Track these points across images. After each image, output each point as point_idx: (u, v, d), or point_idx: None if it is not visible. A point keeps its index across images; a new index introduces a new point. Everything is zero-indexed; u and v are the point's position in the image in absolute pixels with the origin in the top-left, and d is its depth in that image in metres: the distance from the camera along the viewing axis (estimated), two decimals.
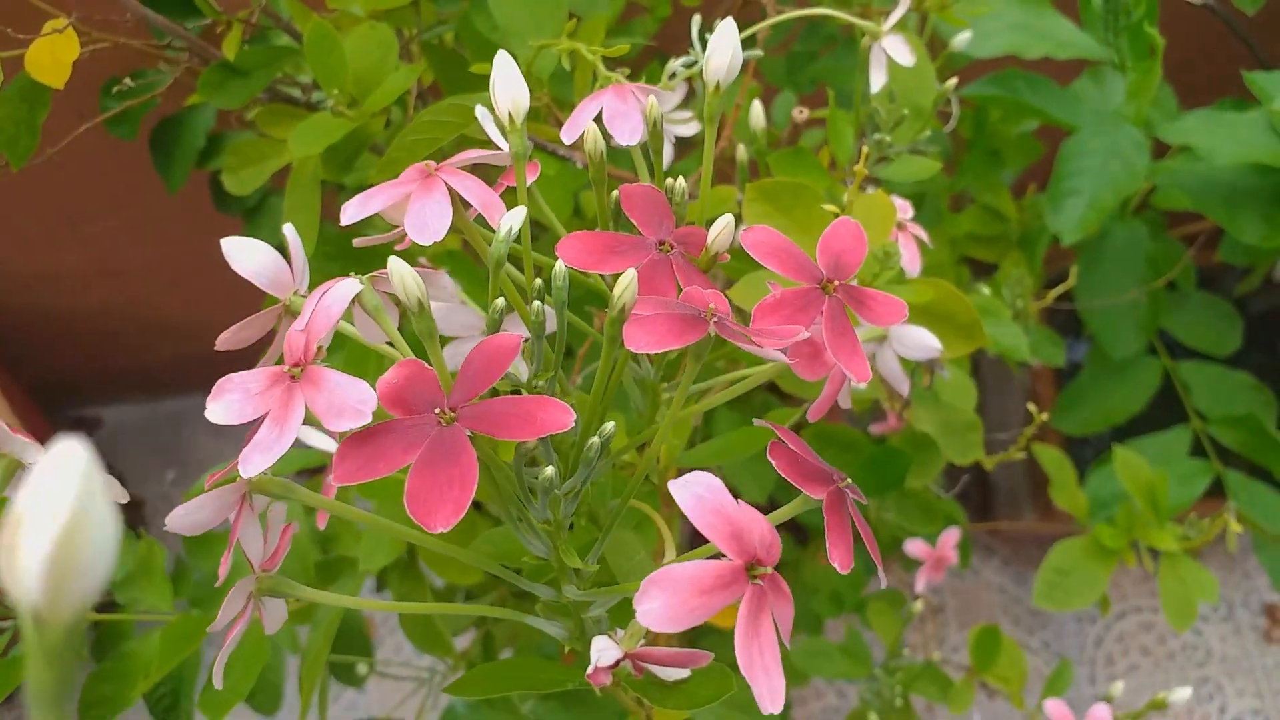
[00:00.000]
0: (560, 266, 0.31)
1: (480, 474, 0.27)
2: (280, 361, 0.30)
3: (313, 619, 0.59)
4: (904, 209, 0.54)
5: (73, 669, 0.15)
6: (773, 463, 0.30)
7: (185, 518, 0.30)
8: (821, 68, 0.83)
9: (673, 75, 0.52)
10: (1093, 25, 0.78)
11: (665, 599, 0.25)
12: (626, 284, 0.28)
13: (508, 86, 0.36)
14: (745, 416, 0.70)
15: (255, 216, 0.84)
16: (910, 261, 0.51)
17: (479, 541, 0.38)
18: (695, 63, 0.53)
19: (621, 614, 0.38)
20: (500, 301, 0.31)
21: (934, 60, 0.63)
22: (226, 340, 0.34)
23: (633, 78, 0.49)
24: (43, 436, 0.32)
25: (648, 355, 0.38)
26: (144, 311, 1.30)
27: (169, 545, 0.61)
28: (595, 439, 0.30)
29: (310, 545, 0.67)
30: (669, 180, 0.37)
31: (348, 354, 0.57)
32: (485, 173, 0.36)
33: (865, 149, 0.50)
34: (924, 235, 0.54)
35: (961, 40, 0.62)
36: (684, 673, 0.34)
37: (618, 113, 0.39)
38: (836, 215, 0.46)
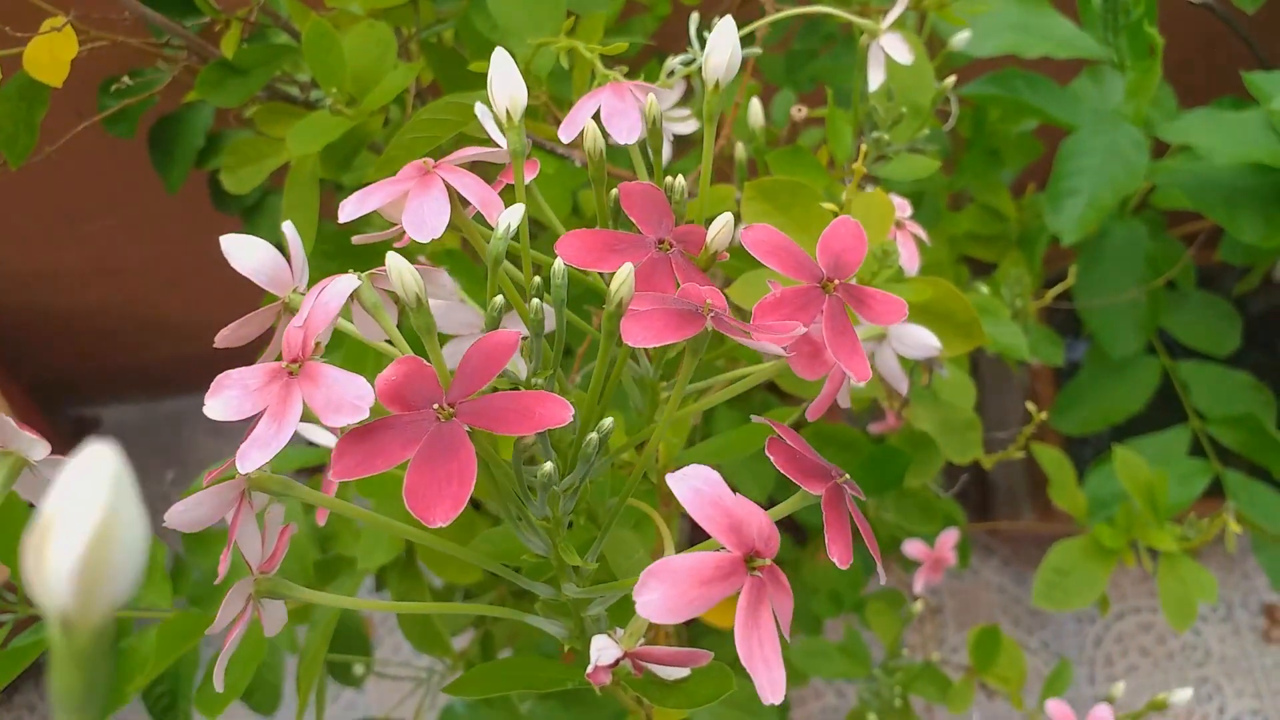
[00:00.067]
0: (559, 264, 0.31)
1: (479, 471, 0.27)
2: (279, 358, 0.30)
3: (311, 618, 0.59)
4: (902, 207, 0.54)
5: (101, 673, 0.14)
6: (771, 459, 0.30)
7: (184, 514, 0.30)
8: (820, 66, 0.83)
9: (671, 73, 0.52)
10: (1092, 24, 0.78)
11: (664, 590, 0.25)
12: (623, 279, 0.28)
13: (505, 84, 0.36)
14: (744, 415, 0.70)
15: (254, 215, 0.84)
16: (909, 260, 0.51)
17: (478, 540, 0.38)
18: (693, 61, 0.53)
19: (621, 612, 0.38)
20: (499, 299, 0.31)
21: (932, 59, 0.63)
22: (226, 337, 0.34)
23: (631, 76, 0.49)
24: (43, 436, 0.32)
25: (646, 354, 0.38)
26: (143, 310, 1.30)
27: (168, 543, 0.61)
28: (594, 434, 0.30)
29: (309, 544, 0.67)
30: (668, 179, 0.37)
31: (346, 352, 0.57)
32: (484, 170, 0.36)
33: (864, 147, 0.50)
34: (923, 234, 0.54)
35: (960, 39, 0.62)
36: (684, 672, 0.34)
37: (615, 111, 0.39)
38: (835, 214, 0.46)
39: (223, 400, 0.28)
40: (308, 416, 0.28)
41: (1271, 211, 0.77)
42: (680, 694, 0.34)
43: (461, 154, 0.36)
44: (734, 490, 0.27)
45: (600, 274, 0.37)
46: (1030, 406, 0.74)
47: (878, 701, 0.82)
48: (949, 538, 0.79)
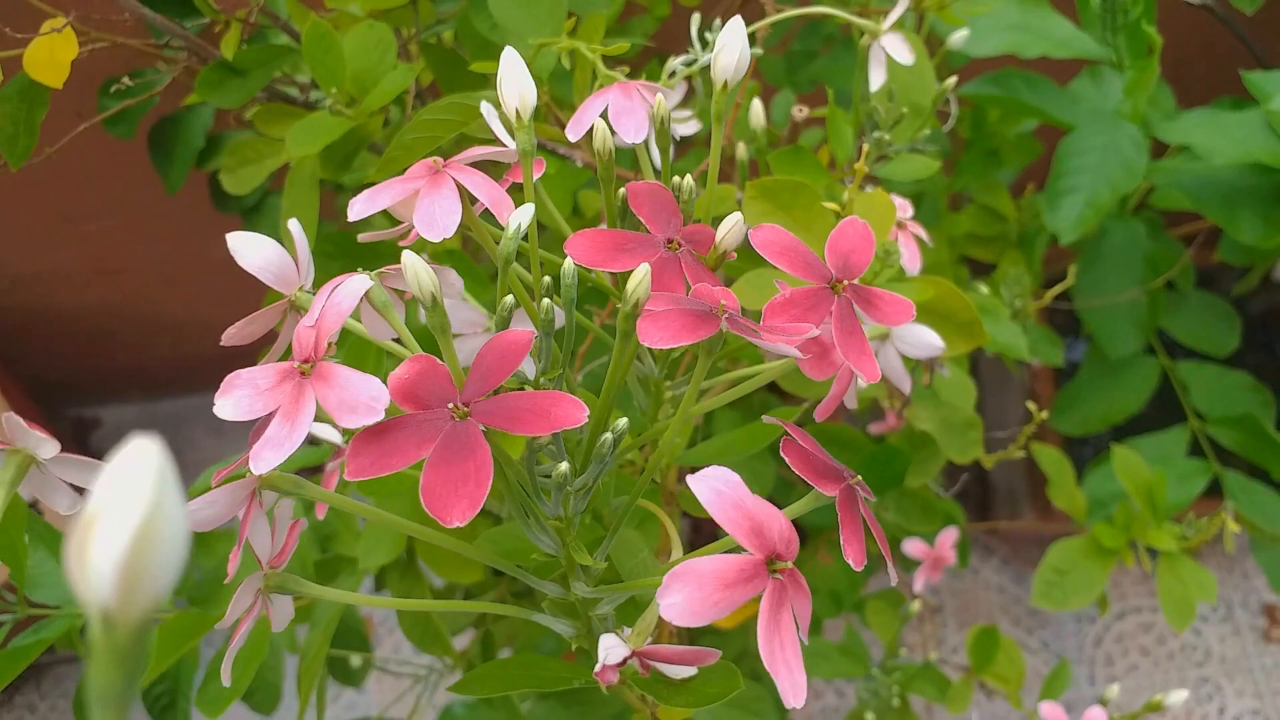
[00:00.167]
0: (569, 264, 0.31)
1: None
2: (285, 358, 0.30)
3: (312, 617, 0.59)
4: (904, 207, 0.54)
5: (138, 671, 0.14)
6: (786, 459, 0.30)
7: (196, 514, 0.29)
8: (820, 67, 0.83)
9: (673, 74, 0.52)
10: (1091, 24, 0.78)
11: (689, 593, 0.25)
12: (640, 279, 0.28)
13: (516, 84, 0.36)
14: (745, 415, 0.70)
15: (254, 216, 0.84)
16: (910, 260, 0.51)
17: (483, 538, 0.38)
18: (695, 61, 0.53)
19: (628, 612, 0.38)
20: (510, 299, 0.31)
21: (931, 59, 0.63)
22: (232, 335, 0.34)
23: (632, 77, 0.49)
24: None
25: (650, 352, 0.38)
26: (143, 311, 1.30)
27: None
28: (608, 435, 0.30)
29: (309, 544, 0.67)
30: (675, 178, 0.37)
31: (348, 350, 0.57)
32: (488, 170, 0.36)
33: (866, 147, 0.50)
34: (924, 234, 0.54)
35: (959, 39, 0.62)
36: (691, 670, 0.34)
37: (623, 110, 0.39)
38: (837, 213, 0.46)
39: (233, 400, 0.28)
40: (320, 417, 0.28)
41: (1270, 212, 0.77)
42: (687, 693, 0.34)
43: (470, 153, 0.36)
44: None
45: (606, 273, 0.37)
46: (1031, 405, 0.74)
47: (876, 701, 0.82)
48: (948, 537, 0.79)
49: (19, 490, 0.32)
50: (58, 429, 1.45)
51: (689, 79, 0.58)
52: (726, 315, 0.30)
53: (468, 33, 0.62)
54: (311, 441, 0.57)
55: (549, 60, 0.54)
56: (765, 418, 0.36)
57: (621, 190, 0.36)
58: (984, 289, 0.75)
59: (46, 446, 0.31)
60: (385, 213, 0.35)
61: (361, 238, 0.38)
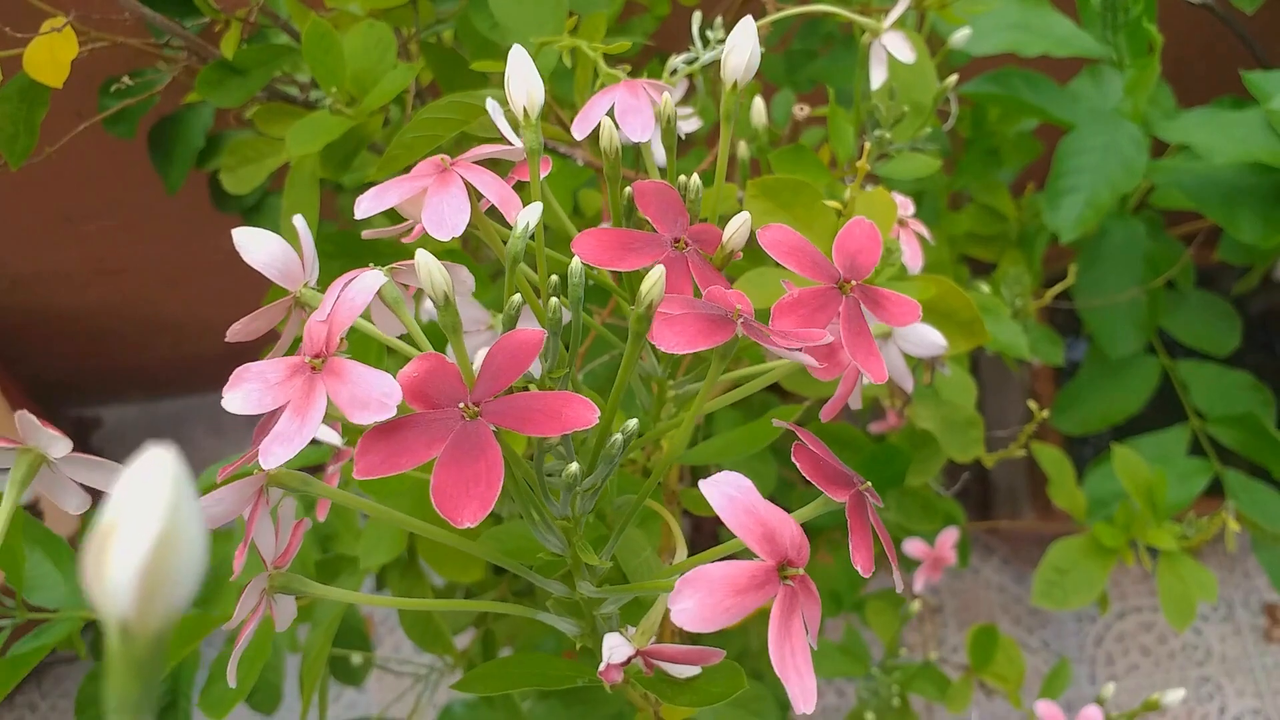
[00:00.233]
0: (577, 264, 0.31)
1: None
2: (289, 353, 0.30)
3: (313, 617, 0.59)
4: (905, 206, 0.54)
5: (156, 681, 0.14)
6: (797, 464, 0.30)
7: (204, 511, 0.29)
8: (820, 66, 0.83)
9: (674, 72, 0.52)
10: (1091, 23, 0.78)
11: (700, 598, 0.25)
12: (654, 281, 0.28)
13: (524, 81, 0.35)
14: (745, 413, 0.70)
15: (254, 216, 0.84)
16: (912, 258, 0.51)
17: (486, 537, 0.38)
18: (696, 59, 0.53)
19: (633, 611, 0.38)
20: (517, 298, 0.31)
21: (933, 58, 0.63)
22: (237, 331, 0.33)
23: (633, 76, 0.49)
24: None
25: (654, 351, 0.38)
26: (143, 310, 1.30)
27: None
28: (618, 435, 0.30)
29: (310, 543, 0.67)
30: (682, 177, 0.37)
31: (350, 345, 0.57)
32: (494, 168, 0.36)
33: (867, 145, 0.50)
34: (925, 232, 0.54)
35: (960, 38, 0.62)
36: (695, 670, 0.34)
37: (630, 108, 0.39)
38: (838, 212, 0.46)
39: (242, 393, 0.28)
40: (331, 415, 0.27)
41: (1270, 211, 0.77)
42: (691, 692, 0.34)
43: (478, 151, 0.36)
44: None
45: (609, 272, 0.37)
46: (1032, 404, 0.74)
47: (876, 700, 0.82)
48: (949, 536, 0.79)
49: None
50: (58, 429, 1.45)
51: (689, 77, 0.58)
52: (742, 320, 0.30)
53: (468, 32, 0.62)
54: (312, 441, 0.57)
55: (550, 59, 0.54)
56: (776, 421, 0.35)
57: (627, 189, 0.36)
58: (984, 288, 0.75)
59: (59, 445, 0.31)
60: (386, 211, 0.35)
61: (366, 234, 0.38)
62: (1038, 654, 1.31)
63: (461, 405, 0.27)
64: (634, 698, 0.40)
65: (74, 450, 0.31)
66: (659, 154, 0.45)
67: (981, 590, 1.37)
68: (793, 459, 0.30)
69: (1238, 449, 0.92)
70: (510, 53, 0.36)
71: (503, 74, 0.37)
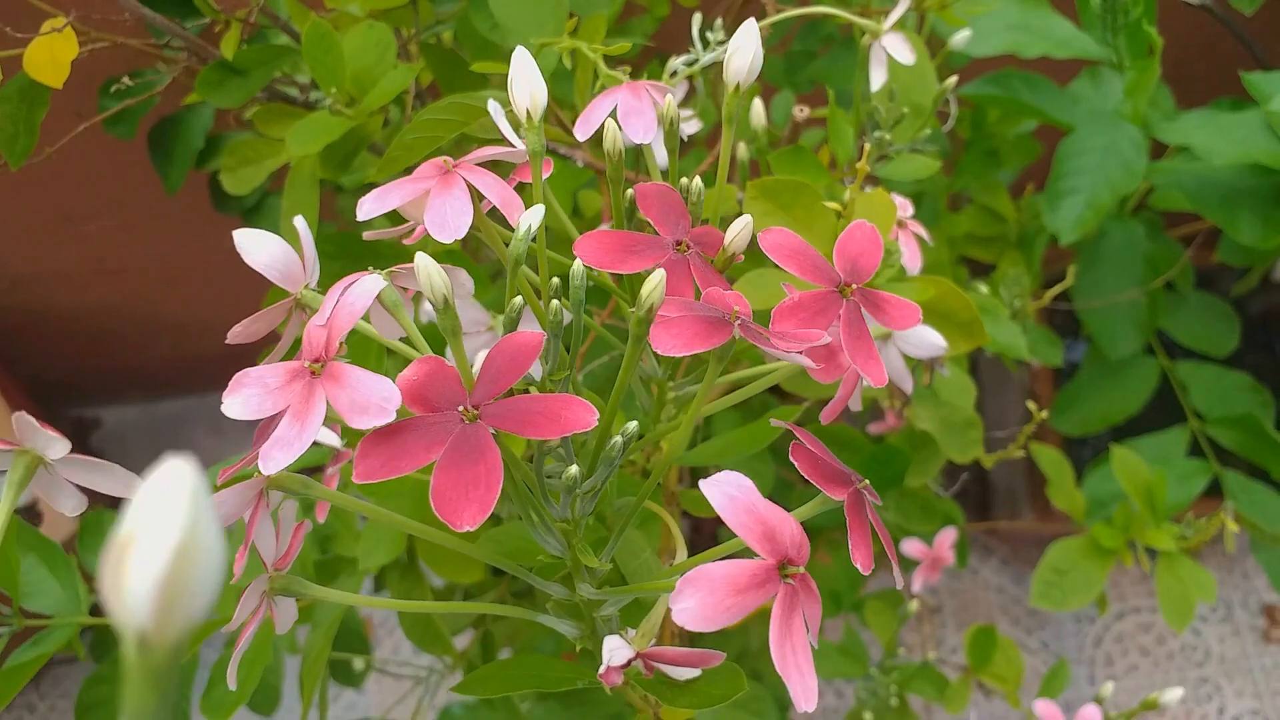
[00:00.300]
0: (578, 266, 0.31)
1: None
2: (289, 357, 0.30)
3: (313, 619, 0.59)
4: (904, 207, 0.54)
5: (174, 692, 0.14)
6: (796, 464, 0.30)
7: None
8: (820, 67, 0.83)
9: (674, 74, 0.52)
10: (1091, 25, 0.78)
11: (701, 598, 0.25)
12: (655, 284, 0.28)
13: (527, 83, 0.35)
14: (745, 414, 0.70)
15: (254, 216, 0.84)
16: (911, 259, 0.51)
17: (486, 539, 0.38)
18: (696, 61, 0.53)
19: (633, 613, 0.38)
20: (518, 300, 0.31)
21: (932, 59, 0.63)
22: (237, 334, 0.33)
23: (633, 77, 0.49)
24: None
25: (654, 353, 0.38)
26: (143, 311, 1.30)
27: None
28: (618, 438, 0.30)
29: (309, 545, 0.67)
30: (683, 180, 0.37)
31: (350, 348, 0.57)
32: (495, 169, 0.36)
33: (867, 147, 0.50)
34: (924, 233, 0.54)
35: (960, 39, 0.62)
36: (694, 672, 0.34)
37: (632, 110, 0.39)
38: (838, 213, 0.46)
39: (241, 398, 0.28)
40: (329, 418, 0.28)
41: (1269, 212, 0.77)
42: (691, 694, 0.34)
43: (480, 153, 0.36)
44: None
45: (610, 273, 0.37)
46: (1031, 405, 0.74)
47: (875, 701, 0.82)
48: (947, 537, 0.79)
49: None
50: (58, 429, 1.44)
51: (689, 78, 0.58)
52: (739, 321, 0.30)
53: (468, 33, 0.62)
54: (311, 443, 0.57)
55: (550, 60, 0.54)
56: (774, 422, 0.36)
57: (629, 191, 0.36)
58: (983, 289, 0.75)
59: (56, 446, 0.31)
60: (385, 214, 0.35)
61: (367, 235, 0.38)
62: (1036, 655, 1.31)
63: (461, 408, 0.27)
64: (634, 699, 0.40)
65: (73, 451, 0.31)
66: (661, 156, 0.45)
67: (980, 591, 1.37)
68: (791, 458, 0.30)
69: (1237, 450, 0.92)
70: (514, 54, 0.36)
71: (503, 75, 0.37)
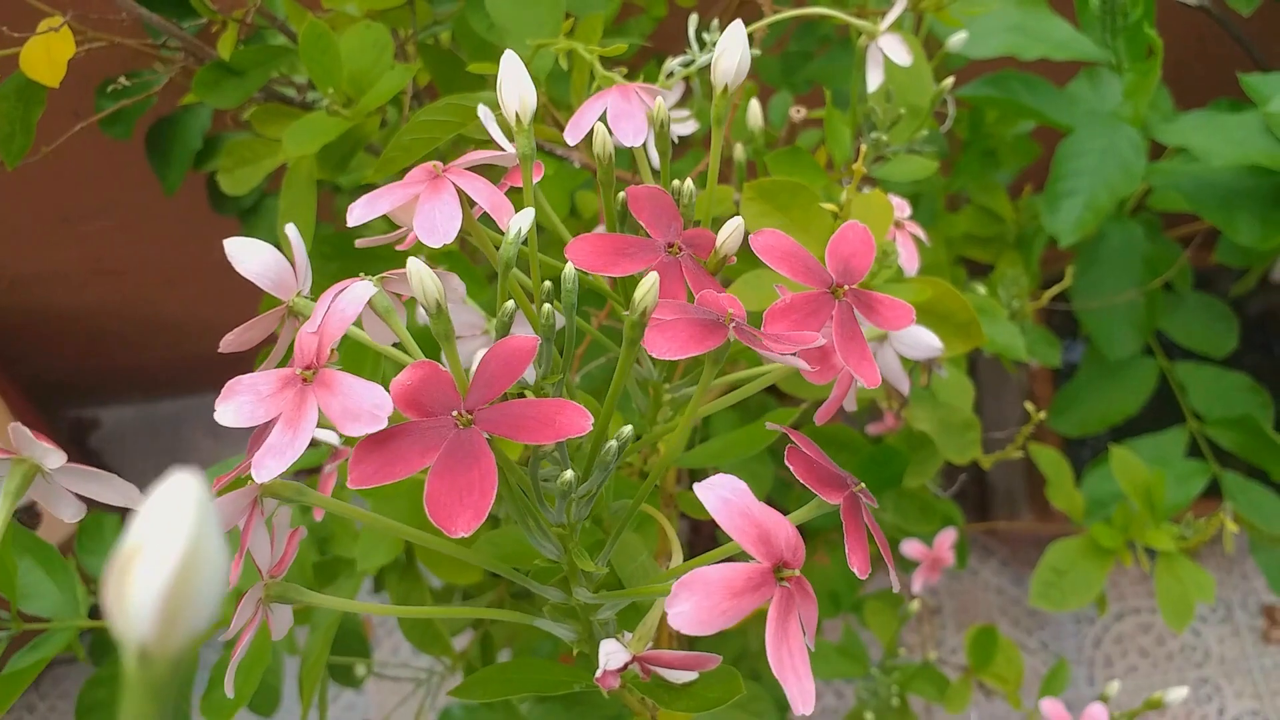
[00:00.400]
0: (570, 269, 0.31)
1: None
2: (284, 362, 0.30)
3: (312, 621, 0.59)
4: (901, 208, 0.54)
5: (173, 704, 0.14)
6: (791, 468, 0.30)
7: None
8: (817, 68, 0.83)
9: (670, 74, 0.52)
10: (1090, 26, 0.78)
11: (697, 601, 0.25)
12: (649, 288, 0.28)
13: (516, 87, 0.35)
14: (743, 415, 0.70)
15: (252, 217, 0.84)
16: (908, 260, 0.51)
17: (482, 543, 0.38)
18: (692, 62, 0.53)
19: (629, 616, 0.38)
20: (510, 304, 0.31)
21: (930, 61, 0.63)
22: (230, 342, 0.33)
23: (629, 78, 0.49)
24: (41, 437, 0.32)
25: (650, 355, 0.38)
26: (141, 311, 1.30)
27: None
28: (613, 442, 0.30)
29: (308, 546, 0.67)
30: (676, 182, 0.37)
31: (345, 354, 0.57)
32: (487, 172, 0.36)
33: (863, 148, 0.50)
34: (921, 234, 0.54)
35: (957, 41, 0.62)
36: (691, 675, 0.34)
37: (622, 113, 0.39)
38: (835, 214, 0.46)
39: (234, 406, 0.28)
40: (322, 424, 0.27)
41: (1268, 213, 0.77)
42: (688, 697, 0.34)
43: (470, 157, 0.36)
44: None
45: (605, 276, 0.37)
46: (1029, 406, 0.74)
47: (875, 701, 0.82)
48: (946, 538, 0.79)
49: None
50: (57, 430, 1.45)
51: (686, 79, 0.58)
52: (734, 324, 0.30)
53: (465, 33, 0.62)
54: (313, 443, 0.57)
55: (546, 61, 0.54)
56: (770, 425, 0.36)
57: (621, 193, 0.36)
58: (981, 290, 0.75)
59: (53, 457, 0.31)
60: (384, 216, 0.35)
61: (359, 243, 0.38)
62: (1036, 655, 1.31)
63: (455, 413, 0.27)
64: (631, 702, 0.40)
65: (72, 453, 0.31)
66: (653, 158, 0.45)
67: (980, 591, 1.37)
68: (786, 462, 0.30)
69: (1235, 450, 0.92)
70: (503, 58, 0.36)
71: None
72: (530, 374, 0.32)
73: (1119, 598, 1.35)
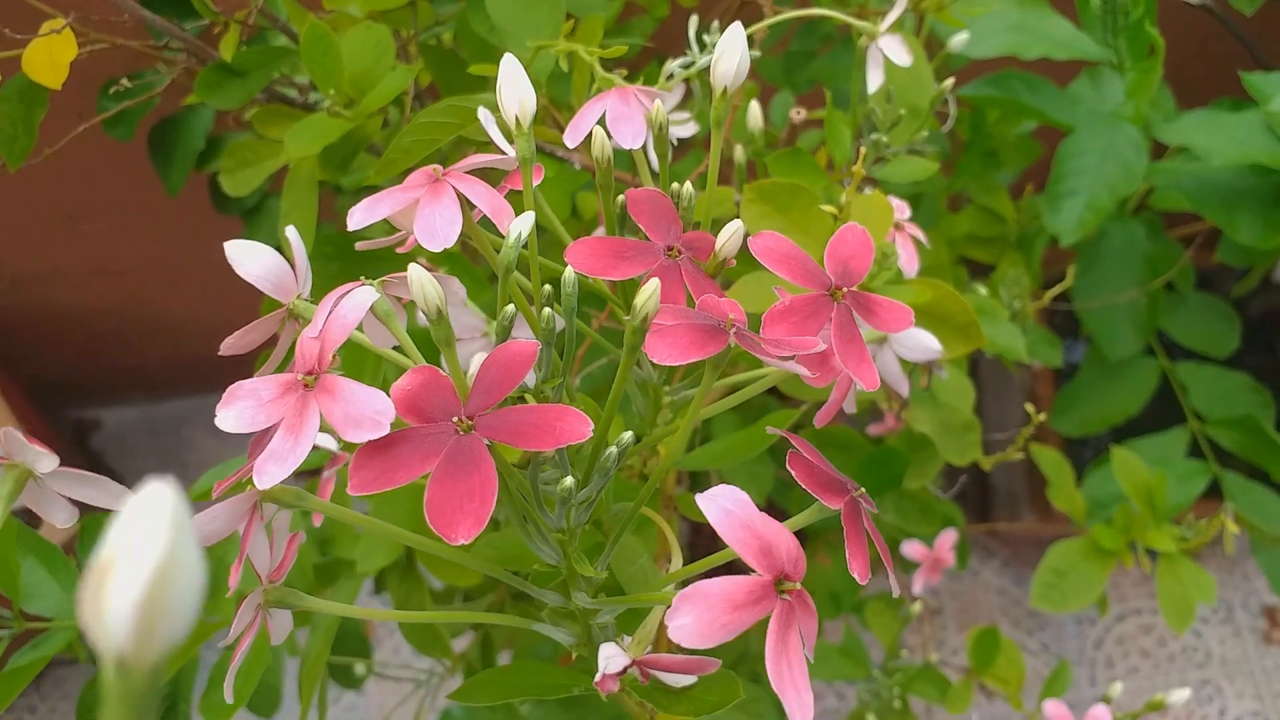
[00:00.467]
0: (569, 273, 0.31)
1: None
2: (284, 365, 0.30)
3: (312, 622, 0.59)
4: (901, 209, 0.54)
5: (152, 714, 0.14)
6: (792, 473, 0.30)
7: (199, 530, 0.29)
8: (818, 68, 0.83)
9: (670, 76, 0.52)
10: (1091, 26, 0.78)
11: (698, 615, 0.25)
12: (650, 294, 0.28)
13: (515, 91, 0.35)
14: (743, 416, 0.70)
15: (254, 217, 0.84)
16: (908, 262, 0.51)
17: (481, 545, 0.38)
18: (693, 63, 0.53)
19: (629, 620, 0.38)
20: (510, 308, 0.31)
21: (931, 61, 0.63)
22: (231, 345, 0.33)
23: (630, 79, 0.49)
24: (42, 438, 0.32)
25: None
26: (143, 311, 1.30)
27: None
28: (613, 448, 0.30)
29: (308, 548, 0.67)
30: (674, 185, 0.37)
31: (345, 357, 0.57)
32: (487, 175, 0.36)
33: (863, 149, 0.50)
34: (921, 235, 0.54)
35: (959, 41, 0.62)
36: (690, 678, 0.34)
37: (621, 115, 0.39)
38: (835, 216, 0.46)
39: (235, 412, 0.28)
40: (323, 428, 0.27)
41: (1269, 213, 0.77)
42: (687, 700, 0.34)
43: (470, 161, 0.36)
44: None
45: (606, 280, 0.37)
46: (1029, 407, 0.74)
47: (877, 703, 0.82)
48: (947, 539, 0.79)
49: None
50: (58, 430, 1.45)
51: (687, 80, 0.58)
52: (735, 329, 0.30)
53: (466, 34, 0.62)
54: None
55: (547, 63, 0.54)
56: (770, 429, 0.36)
57: (620, 196, 0.36)
58: (983, 290, 0.75)
59: (45, 461, 0.31)
60: (384, 219, 0.35)
61: (359, 246, 0.38)
62: (1037, 656, 1.31)
63: (455, 419, 0.27)
64: (630, 706, 0.40)
65: (74, 454, 0.31)
66: (653, 160, 0.45)
67: (981, 593, 1.37)
68: (788, 466, 0.30)
69: (1237, 451, 0.92)
70: (502, 61, 0.36)
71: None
72: (530, 378, 0.32)
73: (1120, 599, 1.35)
